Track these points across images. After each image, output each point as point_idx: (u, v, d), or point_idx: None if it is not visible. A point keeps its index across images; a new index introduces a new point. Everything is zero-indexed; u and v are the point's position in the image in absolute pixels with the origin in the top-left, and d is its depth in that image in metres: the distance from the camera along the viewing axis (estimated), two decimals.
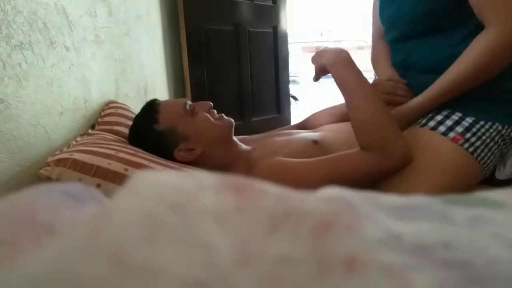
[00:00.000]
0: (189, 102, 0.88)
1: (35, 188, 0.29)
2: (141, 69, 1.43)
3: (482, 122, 0.81)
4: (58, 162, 0.67)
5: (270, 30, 2.48)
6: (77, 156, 0.68)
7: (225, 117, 0.90)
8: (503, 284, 0.18)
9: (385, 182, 0.78)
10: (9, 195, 0.27)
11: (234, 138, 0.92)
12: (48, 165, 0.67)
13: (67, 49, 0.86)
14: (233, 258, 0.17)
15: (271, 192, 0.22)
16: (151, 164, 0.74)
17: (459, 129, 0.81)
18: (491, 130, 0.80)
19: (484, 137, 0.80)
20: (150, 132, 0.84)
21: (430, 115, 0.86)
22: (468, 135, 0.80)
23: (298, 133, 1.00)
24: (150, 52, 1.57)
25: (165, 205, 0.19)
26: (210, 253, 0.17)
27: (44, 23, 0.76)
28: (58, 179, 0.65)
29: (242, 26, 2.26)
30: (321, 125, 1.10)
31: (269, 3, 2.44)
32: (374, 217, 0.22)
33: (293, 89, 2.99)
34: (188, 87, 2.03)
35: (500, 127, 0.81)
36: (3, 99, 0.63)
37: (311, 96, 5.20)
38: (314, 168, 0.76)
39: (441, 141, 0.81)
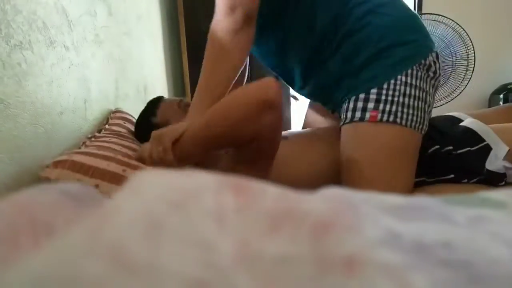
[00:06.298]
0: (186, 100, 0.94)
1: (34, 188, 0.29)
2: (141, 68, 1.43)
3: (385, 86, 0.76)
4: (57, 164, 0.68)
5: None
6: (76, 157, 0.69)
7: None
8: (502, 283, 0.18)
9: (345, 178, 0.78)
10: (8, 195, 0.27)
11: None
12: (47, 166, 0.68)
13: (67, 48, 0.86)
14: (233, 258, 0.17)
15: (271, 192, 0.22)
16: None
17: (370, 105, 0.76)
18: (397, 87, 0.76)
19: (395, 98, 0.75)
20: (148, 124, 0.92)
21: (345, 107, 0.82)
22: (381, 106, 0.76)
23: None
24: (150, 52, 1.57)
25: (166, 204, 0.19)
26: (210, 253, 0.17)
27: (43, 23, 0.76)
28: (56, 180, 0.66)
29: None
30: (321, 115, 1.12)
31: None
32: (374, 217, 0.22)
33: None
34: (188, 86, 2.03)
35: (403, 78, 0.75)
36: (2, 99, 0.63)
37: None
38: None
39: (363, 129, 0.77)
